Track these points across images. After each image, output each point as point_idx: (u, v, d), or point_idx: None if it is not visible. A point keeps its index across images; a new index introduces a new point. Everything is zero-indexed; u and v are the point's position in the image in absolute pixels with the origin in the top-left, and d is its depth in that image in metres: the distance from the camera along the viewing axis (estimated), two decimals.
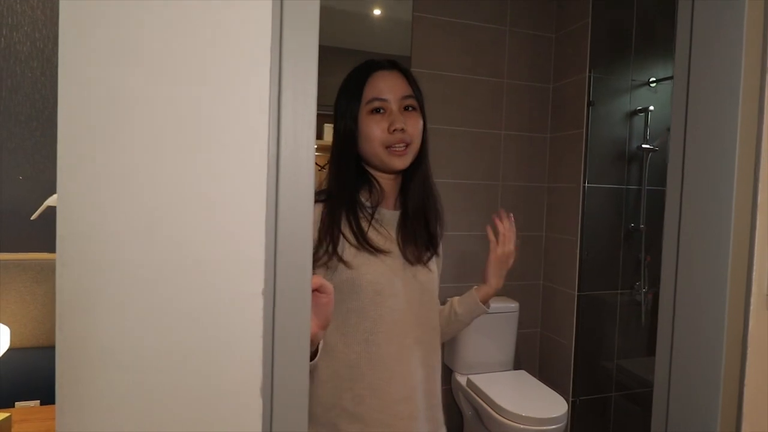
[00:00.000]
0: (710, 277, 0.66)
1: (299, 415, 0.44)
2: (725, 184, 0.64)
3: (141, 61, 0.39)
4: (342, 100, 0.93)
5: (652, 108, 2.27)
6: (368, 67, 0.93)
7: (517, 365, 2.41)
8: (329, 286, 0.66)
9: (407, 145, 0.91)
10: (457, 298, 1.10)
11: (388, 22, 2.18)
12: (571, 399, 2.28)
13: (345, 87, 0.94)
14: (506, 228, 1.08)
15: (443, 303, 1.14)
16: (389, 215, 0.96)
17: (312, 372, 0.85)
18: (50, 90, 1.62)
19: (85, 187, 0.39)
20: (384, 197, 0.95)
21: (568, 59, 2.36)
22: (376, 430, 0.86)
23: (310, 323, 0.45)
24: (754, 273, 0.64)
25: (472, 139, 2.36)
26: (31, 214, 1.49)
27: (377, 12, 2.17)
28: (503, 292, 2.45)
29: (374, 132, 0.89)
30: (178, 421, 0.42)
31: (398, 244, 0.93)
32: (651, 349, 2.33)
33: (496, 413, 1.90)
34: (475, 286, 1.09)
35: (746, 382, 0.65)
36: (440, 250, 1.05)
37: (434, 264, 1.00)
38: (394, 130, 0.89)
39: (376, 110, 0.90)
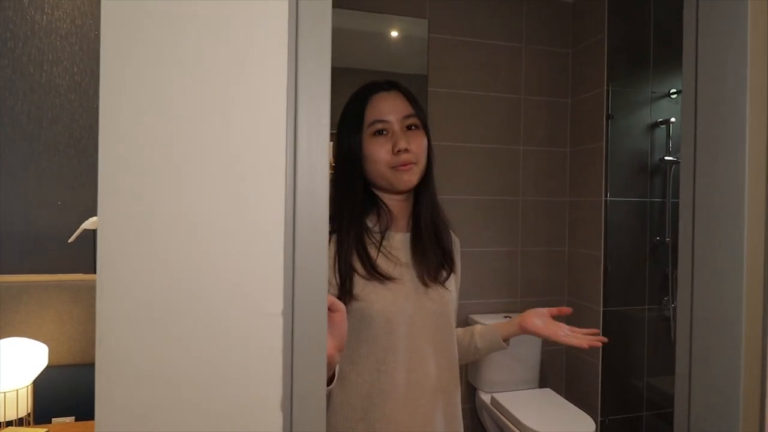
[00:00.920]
0: (726, 292, 0.65)
1: (318, 428, 0.47)
2: (736, 196, 0.65)
3: (171, 101, 0.44)
4: (343, 127, 0.92)
5: (673, 120, 2.25)
6: (367, 90, 0.93)
7: (543, 383, 2.37)
8: (340, 304, 0.67)
9: (413, 164, 0.90)
10: (480, 328, 1.08)
11: (405, 43, 2.24)
12: (599, 418, 2.22)
13: (346, 113, 0.93)
14: (587, 339, 1.03)
15: (465, 325, 1.13)
16: (400, 238, 0.94)
17: (326, 399, 0.84)
18: (87, 121, 1.72)
19: (124, 217, 0.43)
20: (393, 220, 0.94)
21: (586, 74, 2.37)
22: None
23: (326, 341, 0.48)
24: None
25: (490, 155, 2.38)
26: (69, 237, 1.58)
27: (394, 33, 2.23)
28: (527, 308, 2.41)
29: (379, 154, 0.88)
30: None
31: (412, 267, 0.92)
32: None
33: None
34: (506, 319, 1.08)
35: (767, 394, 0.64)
36: (457, 266, 1.03)
37: (452, 283, 0.98)
38: (398, 151, 0.88)
39: (379, 132, 0.89)
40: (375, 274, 0.86)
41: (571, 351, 2.46)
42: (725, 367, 0.66)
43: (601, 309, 2.22)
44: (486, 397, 2.18)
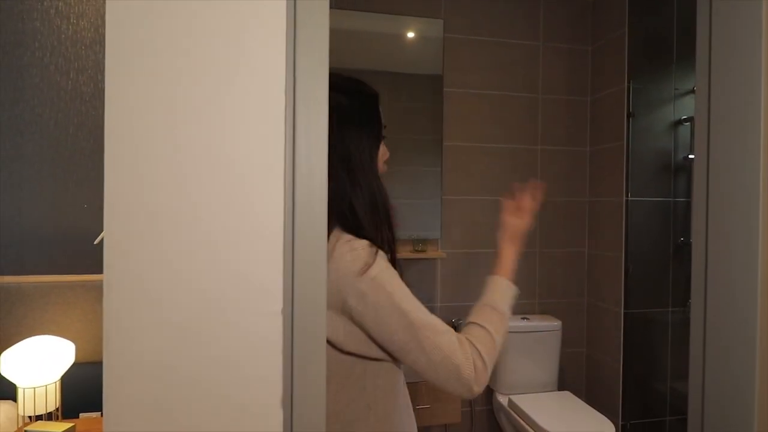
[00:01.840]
0: (740, 295, 0.64)
1: (317, 424, 0.48)
2: (751, 197, 0.63)
3: (173, 104, 0.45)
4: (366, 127, 0.83)
5: None
6: (375, 95, 0.87)
7: (562, 386, 2.33)
8: None
9: None
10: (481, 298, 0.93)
11: (421, 44, 2.24)
12: (621, 423, 2.17)
13: (364, 113, 0.84)
14: (531, 194, 0.97)
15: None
16: None
17: None
18: None
19: (128, 220, 0.45)
20: None
21: (606, 71, 2.32)
22: None
23: (325, 338, 0.49)
24: None
25: (508, 155, 2.36)
26: (94, 239, 1.63)
27: (410, 34, 2.23)
28: (545, 310, 2.39)
29: (378, 161, 0.86)
30: (207, 430, 0.46)
31: None
32: None
33: None
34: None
35: None
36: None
37: None
38: (384, 162, 0.87)
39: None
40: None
41: (591, 354, 2.41)
42: (739, 371, 0.64)
43: (622, 311, 2.17)
44: (503, 399, 2.16)
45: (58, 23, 1.72)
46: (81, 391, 1.58)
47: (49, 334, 1.60)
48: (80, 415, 1.57)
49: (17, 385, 1.39)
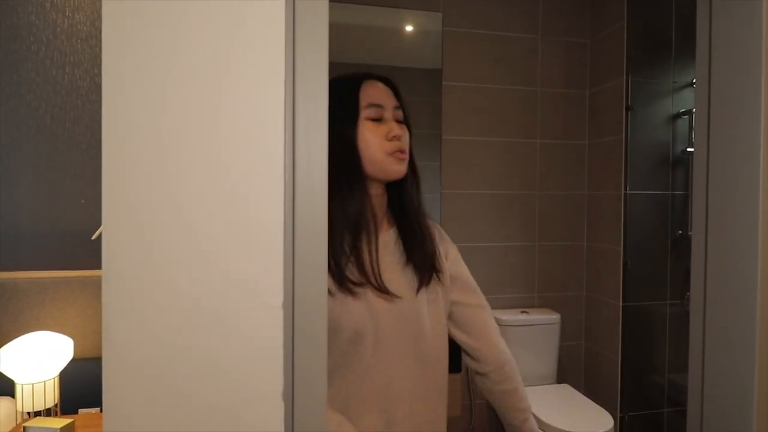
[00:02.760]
0: (740, 285, 0.64)
1: (319, 417, 0.48)
2: (750, 190, 0.63)
3: (174, 101, 0.45)
4: (334, 109, 0.83)
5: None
6: (358, 75, 0.87)
7: (561, 379, 2.34)
8: None
9: (406, 154, 0.86)
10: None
11: (420, 37, 2.23)
12: (619, 415, 2.18)
13: (335, 94, 0.79)
14: None
15: None
16: (385, 238, 0.88)
17: None
18: None
19: (126, 216, 0.44)
20: (377, 218, 0.87)
21: (605, 64, 2.31)
22: None
23: (326, 331, 0.48)
24: None
25: (507, 149, 2.35)
26: (92, 234, 1.63)
27: (409, 28, 2.22)
28: (544, 303, 2.40)
29: (375, 140, 0.83)
30: (209, 424, 0.46)
31: (407, 262, 0.87)
32: None
33: (540, 428, 1.86)
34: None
35: None
36: (446, 257, 0.95)
37: (437, 285, 0.91)
38: (393, 137, 0.84)
39: (374, 118, 0.84)
40: (378, 283, 0.81)
41: (590, 346, 2.42)
42: (739, 364, 0.64)
43: (621, 304, 2.18)
44: None
45: (54, 17, 1.70)
46: (80, 386, 1.58)
47: (47, 329, 1.59)
48: (79, 410, 1.57)
49: (15, 381, 1.39)
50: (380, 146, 0.83)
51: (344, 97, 0.84)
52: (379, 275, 0.81)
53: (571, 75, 2.41)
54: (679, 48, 2.20)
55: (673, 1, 2.18)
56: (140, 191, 0.44)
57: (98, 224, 1.63)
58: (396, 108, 0.87)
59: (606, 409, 1.95)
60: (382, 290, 0.81)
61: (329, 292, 0.78)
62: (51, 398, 1.44)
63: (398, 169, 0.85)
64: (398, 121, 0.87)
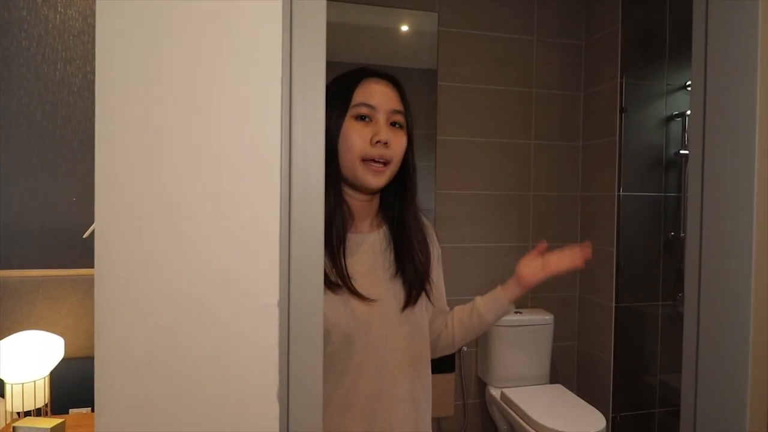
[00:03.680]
0: (734, 286, 0.64)
1: (314, 417, 0.47)
2: (745, 191, 0.63)
3: (168, 97, 0.44)
4: (327, 102, 0.81)
5: (689, 112, 2.20)
6: (361, 71, 0.84)
7: (554, 379, 2.35)
8: None
9: (385, 164, 0.81)
10: (481, 298, 1.00)
11: (415, 37, 2.23)
12: (611, 415, 2.20)
13: (331, 89, 0.78)
14: (582, 252, 0.96)
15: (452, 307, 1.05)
16: (367, 239, 0.86)
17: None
18: None
19: (119, 213, 0.44)
20: (353, 221, 0.85)
21: (599, 66, 2.33)
22: None
23: (322, 331, 0.48)
24: None
25: (502, 149, 2.36)
26: (83, 233, 1.61)
27: (404, 28, 2.22)
28: (537, 304, 2.41)
29: (355, 141, 0.79)
30: (202, 425, 0.45)
31: (395, 273, 0.86)
32: None
33: (532, 428, 1.87)
34: (500, 285, 0.99)
35: None
36: (435, 275, 0.96)
37: (434, 280, 0.93)
38: (377, 142, 0.79)
39: (362, 117, 0.81)
40: (340, 283, 0.79)
41: (583, 347, 2.43)
42: (733, 365, 0.64)
43: (614, 305, 2.19)
44: (496, 393, 2.17)
45: (45, 12, 1.69)
46: (70, 386, 1.56)
47: (37, 329, 1.57)
48: (70, 410, 1.55)
49: (5, 380, 1.37)
50: (360, 148, 0.79)
51: (339, 91, 0.82)
52: (348, 278, 0.79)
53: (565, 76, 2.43)
54: (673, 51, 2.22)
55: (668, 4, 2.19)
56: (133, 189, 0.44)
57: (90, 222, 1.61)
58: (395, 112, 0.84)
59: (598, 410, 1.96)
60: (354, 293, 0.80)
61: None
62: (41, 398, 1.42)
63: (371, 181, 0.81)
64: (396, 125, 0.84)
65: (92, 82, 1.74)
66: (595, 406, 2.00)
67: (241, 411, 0.46)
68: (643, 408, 2.25)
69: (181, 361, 0.45)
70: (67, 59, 1.71)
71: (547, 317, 2.25)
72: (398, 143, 0.83)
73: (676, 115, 2.23)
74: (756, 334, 0.62)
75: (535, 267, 0.97)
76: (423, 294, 0.89)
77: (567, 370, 2.47)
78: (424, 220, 0.95)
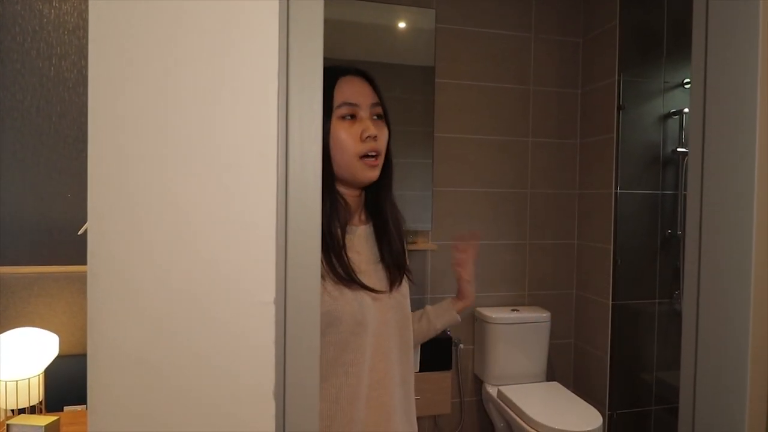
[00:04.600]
0: (733, 284, 0.64)
1: (310, 416, 0.47)
2: (745, 189, 0.63)
3: (164, 93, 0.43)
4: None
5: (687, 110, 2.20)
6: (334, 71, 0.84)
7: (550, 377, 2.35)
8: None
9: (377, 156, 0.84)
10: (431, 308, 1.10)
11: (413, 34, 2.22)
12: (607, 412, 2.20)
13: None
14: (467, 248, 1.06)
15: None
16: (360, 231, 0.89)
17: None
18: None
19: (113, 208, 0.43)
20: (351, 214, 0.88)
21: (597, 63, 2.32)
22: None
23: (319, 329, 0.47)
24: None
25: (499, 147, 2.35)
26: (78, 229, 1.60)
27: (402, 24, 2.21)
28: (534, 302, 2.41)
29: (347, 141, 0.81)
30: (197, 423, 0.45)
31: (381, 262, 0.89)
32: None
33: (529, 426, 1.87)
34: (451, 298, 1.12)
35: None
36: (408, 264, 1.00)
37: (405, 280, 0.96)
38: (367, 137, 0.82)
39: (347, 116, 0.83)
40: (348, 275, 0.81)
41: (579, 345, 2.44)
42: (732, 363, 0.64)
43: (610, 302, 2.20)
44: (493, 390, 2.18)
45: (40, 7, 1.67)
46: (65, 383, 1.55)
47: (32, 326, 1.56)
48: (64, 408, 1.54)
49: None
50: (353, 147, 0.82)
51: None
52: (354, 272, 0.82)
53: (563, 74, 2.42)
54: (670, 48, 2.21)
55: (665, 2, 2.19)
56: (128, 185, 0.43)
57: (85, 219, 1.60)
58: (374, 105, 0.86)
59: (595, 407, 1.96)
60: (363, 287, 0.83)
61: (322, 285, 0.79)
62: (36, 395, 1.41)
63: (369, 175, 0.85)
64: (377, 117, 0.86)
65: (87, 78, 1.72)
66: (591, 404, 2.00)
67: (236, 409, 0.45)
68: (640, 405, 2.26)
69: (175, 358, 0.44)
70: (61, 54, 1.69)
71: (544, 315, 2.25)
72: (383, 135, 0.87)
73: (674, 113, 2.23)
74: (755, 331, 0.62)
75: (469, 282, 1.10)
76: (405, 281, 0.95)
77: (564, 367, 2.48)
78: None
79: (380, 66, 2.17)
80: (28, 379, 1.39)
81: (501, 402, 2.10)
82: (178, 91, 0.44)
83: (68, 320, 1.68)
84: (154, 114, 0.43)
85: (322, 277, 0.79)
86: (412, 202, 2.21)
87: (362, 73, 0.88)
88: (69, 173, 1.71)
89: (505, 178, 2.37)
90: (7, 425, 1.19)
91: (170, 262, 0.44)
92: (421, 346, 1.84)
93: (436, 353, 2.01)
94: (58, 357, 1.51)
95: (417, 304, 2.31)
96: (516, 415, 1.97)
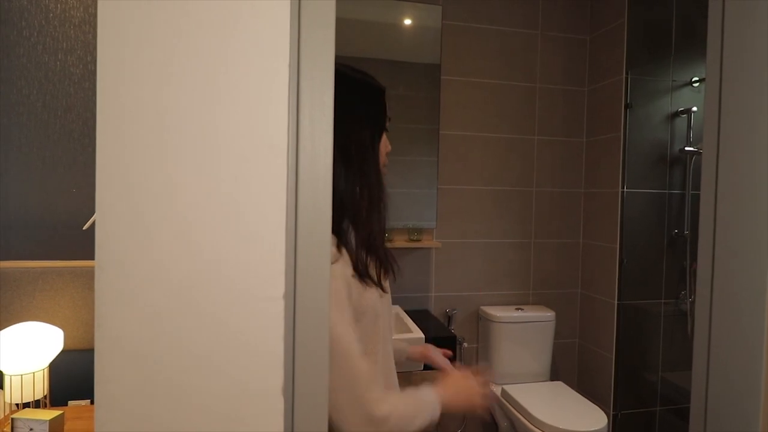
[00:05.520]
0: (747, 284, 0.63)
1: (319, 413, 0.46)
2: (761, 185, 0.62)
3: (172, 86, 0.43)
4: (368, 118, 0.84)
5: (695, 109, 2.18)
6: (380, 88, 0.89)
7: (555, 376, 2.34)
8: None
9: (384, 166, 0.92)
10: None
11: (418, 31, 2.21)
12: (612, 412, 2.19)
13: (368, 103, 0.85)
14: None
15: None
16: None
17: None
18: None
19: (121, 200, 0.42)
20: None
21: (604, 61, 2.30)
22: None
23: (328, 324, 0.47)
24: None
25: (505, 145, 2.34)
26: (83, 224, 1.60)
27: (408, 21, 2.19)
28: (539, 301, 2.40)
29: (383, 151, 0.88)
30: (206, 420, 0.44)
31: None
32: None
33: (533, 425, 1.86)
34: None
35: None
36: None
37: None
38: (387, 152, 0.89)
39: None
40: (382, 277, 0.87)
41: (584, 344, 2.43)
42: (745, 364, 0.63)
43: (616, 302, 2.18)
44: (497, 389, 2.17)
45: (46, 2, 1.66)
46: (70, 378, 1.55)
47: (37, 320, 1.56)
48: (69, 402, 1.54)
49: (4, 372, 1.36)
50: (382, 158, 0.88)
51: (377, 106, 0.86)
52: (387, 272, 0.88)
53: (570, 71, 2.40)
54: (678, 46, 2.19)
55: (674, 0, 2.17)
56: (135, 179, 0.42)
57: (90, 214, 1.60)
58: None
59: (599, 407, 1.95)
60: (381, 286, 0.87)
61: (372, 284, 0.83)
62: (40, 390, 1.41)
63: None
64: None
65: (93, 73, 1.72)
66: (596, 404, 1.99)
67: (244, 405, 0.44)
68: (645, 406, 2.25)
69: (182, 353, 0.43)
70: (67, 49, 1.69)
71: (549, 314, 2.24)
72: None
73: (681, 112, 2.21)
74: None
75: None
76: None
77: (568, 367, 2.46)
78: None
79: (386, 63, 2.16)
80: (33, 373, 1.39)
81: (505, 401, 2.09)
82: (186, 85, 0.43)
83: (73, 315, 1.68)
84: (162, 108, 0.43)
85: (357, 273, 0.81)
86: (416, 200, 2.20)
87: None
88: (74, 168, 1.70)
89: (511, 176, 2.35)
90: (12, 419, 1.19)
91: (178, 256, 0.43)
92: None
93: None
94: (62, 351, 1.51)
95: (421, 302, 2.29)
96: (520, 414, 1.96)
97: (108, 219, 0.42)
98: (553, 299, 2.41)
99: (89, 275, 1.69)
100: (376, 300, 0.85)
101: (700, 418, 0.68)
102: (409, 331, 1.82)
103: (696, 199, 2.20)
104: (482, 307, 2.28)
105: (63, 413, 1.25)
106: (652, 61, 2.18)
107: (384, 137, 0.88)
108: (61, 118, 1.69)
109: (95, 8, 1.71)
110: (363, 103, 0.84)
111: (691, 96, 2.22)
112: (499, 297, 2.35)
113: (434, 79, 2.21)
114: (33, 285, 1.64)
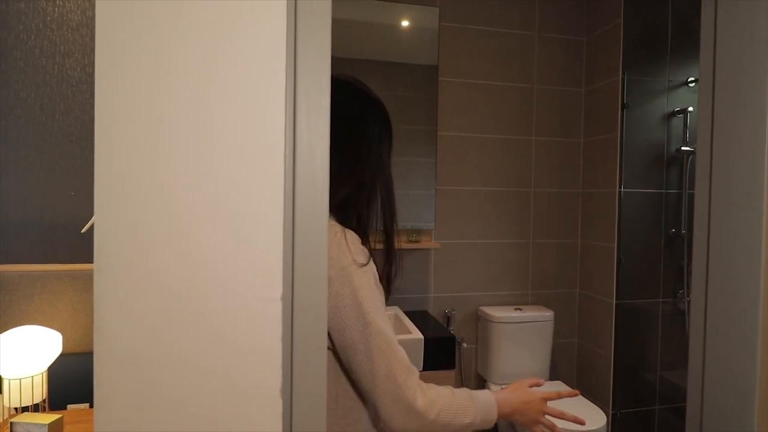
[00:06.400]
0: (742, 283, 0.63)
1: (317, 414, 0.46)
2: (754, 185, 0.62)
3: (169, 88, 0.43)
4: (386, 137, 0.89)
5: (691, 109, 2.19)
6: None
7: (554, 376, 2.35)
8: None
9: None
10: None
11: (416, 33, 2.21)
12: (611, 412, 2.20)
13: (387, 122, 0.90)
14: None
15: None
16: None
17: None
18: None
19: (120, 203, 0.43)
20: None
21: (601, 62, 2.31)
22: None
23: (326, 326, 0.47)
24: None
25: (502, 145, 2.35)
26: (82, 228, 1.60)
27: (405, 23, 2.20)
28: (537, 301, 2.40)
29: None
30: (203, 421, 0.44)
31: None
32: None
33: None
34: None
35: None
36: None
37: None
38: None
39: None
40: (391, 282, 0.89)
41: (583, 344, 2.43)
42: (740, 362, 0.64)
43: (614, 302, 2.19)
44: (496, 389, 2.17)
45: (44, 5, 1.67)
46: (68, 382, 1.55)
47: (35, 323, 1.56)
48: (68, 406, 1.54)
49: (2, 376, 1.36)
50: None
51: (386, 127, 0.89)
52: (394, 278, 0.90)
53: (567, 72, 2.41)
54: (674, 47, 2.20)
55: (669, 1, 2.18)
56: (134, 181, 0.43)
57: (88, 217, 1.60)
58: None
59: (598, 406, 1.96)
60: (388, 289, 0.89)
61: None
62: (39, 393, 1.41)
63: None
64: None
65: (90, 75, 1.72)
66: (595, 403, 2.00)
67: (242, 408, 0.45)
68: (644, 405, 2.25)
69: (182, 355, 0.43)
70: (65, 52, 1.69)
71: (548, 314, 2.25)
72: None
73: (678, 112, 2.22)
74: (765, 329, 0.61)
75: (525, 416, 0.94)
76: None
77: (567, 367, 2.47)
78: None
79: (383, 64, 2.16)
80: (32, 377, 1.39)
81: None
82: (183, 87, 0.43)
83: (71, 318, 1.68)
84: (160, 111, 0.43)
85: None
86: (415, 201, 2.20)
87: None
88: (72, 171, 1.71)
89: (509, 177, 2.36)
90: (11, 423, 1.19)
91: (177, 258, 0.43)
92: (425, 345, 1.83)
93: (439, 352, 2.01)
94: (61, 355, 1.50)
95: (420, 303, 2.29)
96: None
97: (107, 222, 0.42)
98: (551, 299, 2.42)
99: (88, 278, 1.69)
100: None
101: (696, 418, 0.68)
102: (408, 332, 1.82)
103: (693, 198, 2.21)
104: (481, 308, 2.28)
105: (62, 417, 1.25)
106: (648, 61, 2.20)
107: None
108: (59, 121, 1.69)
109: (93, 11, 1.72)
110: (382, 119, 0.88)
111: (687, 96, 2.23)
112: (497, 297, 2.36)
113: (432, 81, 2.22)
114: (31, 288, 1.64)
